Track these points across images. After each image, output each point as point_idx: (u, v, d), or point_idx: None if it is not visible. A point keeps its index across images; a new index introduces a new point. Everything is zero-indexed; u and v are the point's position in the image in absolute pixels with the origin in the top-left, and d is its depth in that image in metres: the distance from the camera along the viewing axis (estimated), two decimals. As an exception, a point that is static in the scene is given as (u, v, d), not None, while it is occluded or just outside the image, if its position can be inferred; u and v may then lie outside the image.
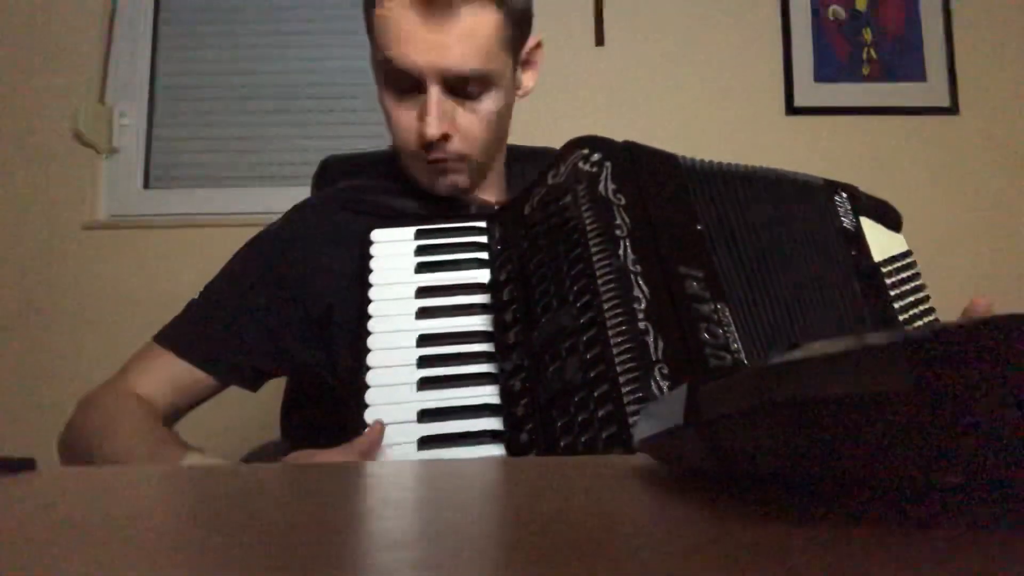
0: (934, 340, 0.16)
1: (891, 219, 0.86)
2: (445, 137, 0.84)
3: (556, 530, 0.21)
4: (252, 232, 0.95)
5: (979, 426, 0.17)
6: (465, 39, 0.80)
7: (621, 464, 0.38)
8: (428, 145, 0.84)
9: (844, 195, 0.83)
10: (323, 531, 0.22)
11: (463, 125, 0.85)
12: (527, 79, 0.93)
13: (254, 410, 1.19)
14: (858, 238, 0.81)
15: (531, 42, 0.91)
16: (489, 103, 0.85)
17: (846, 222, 0.81)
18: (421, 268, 0.79)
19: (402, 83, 0.83)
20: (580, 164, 0.73)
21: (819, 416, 0.19)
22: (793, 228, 0.77)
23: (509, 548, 0.20)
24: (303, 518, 0.24)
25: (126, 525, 0.24)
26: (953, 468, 0.19)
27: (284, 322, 0.87)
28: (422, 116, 0.83)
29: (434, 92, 0.82)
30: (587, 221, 0.69)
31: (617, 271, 0.65)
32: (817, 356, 0.19)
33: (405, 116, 0.85)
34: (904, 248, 0.84)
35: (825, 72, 1.93)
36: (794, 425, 0.20)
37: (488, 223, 0.81)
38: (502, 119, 0.89)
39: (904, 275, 0.81)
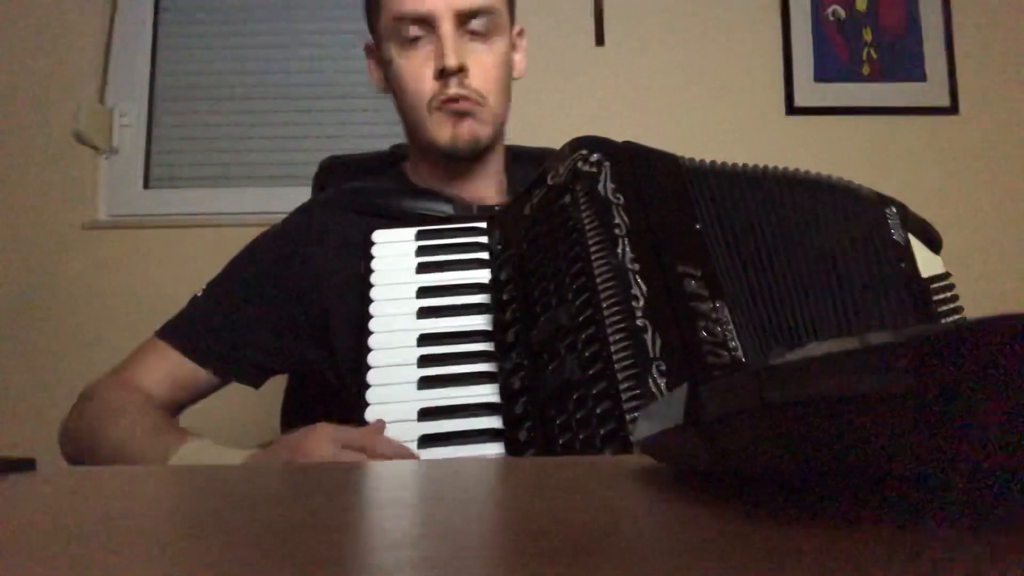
0: (934, 340, 0.16)
1: (933, 240, 0.85)
2: (462, 70, 0.86)
3: (556, 530, 0.21)
4: (252, 232, 0.95)
5: (979, 426, 0.17)
6: None
7: (621, 464, 0.38)
8: (446, 83, 0.86)
9: (894, 209, 0.82)
10: (323, 531, 0.22)
11: (478, 59, 0.87)
12: (518, 60, 0.96)
13: (254, 409, 1.19)
14: (908, 252, 0.80)
15: (516, 28, 0.95)
16: (499, 44, 0.89)
17: (896, 235, 0.80)
18: (422, 268, 0.79)
19: (413, 34, 0.86)
20: (580, 164, 0.73)
21: (819, 416, 0.19)
22: (829, 231, 0.75)
23: (509, 548, 0.20)
24: (303, 518, 0.24)
25: (126, 525, 0.24)
26: (953, 468, 0.19)
27: (286, 321, 0.87)
28: (438, 54, 0.85)
29: (448, 28, 0.85)
30: (586, 221, 0.69)
31: (615, 269, 0.65)
32: (817, 356, 0.19)
33: (419, 63, 0.87)
34: (944, 270, 0.83)
35: (825, 72, 1.93)
36: (794, 425, 0.20)
37: (488, 223, 0.82)
38: (508, 67, 0.92)
39: (946, 295, 0.81)
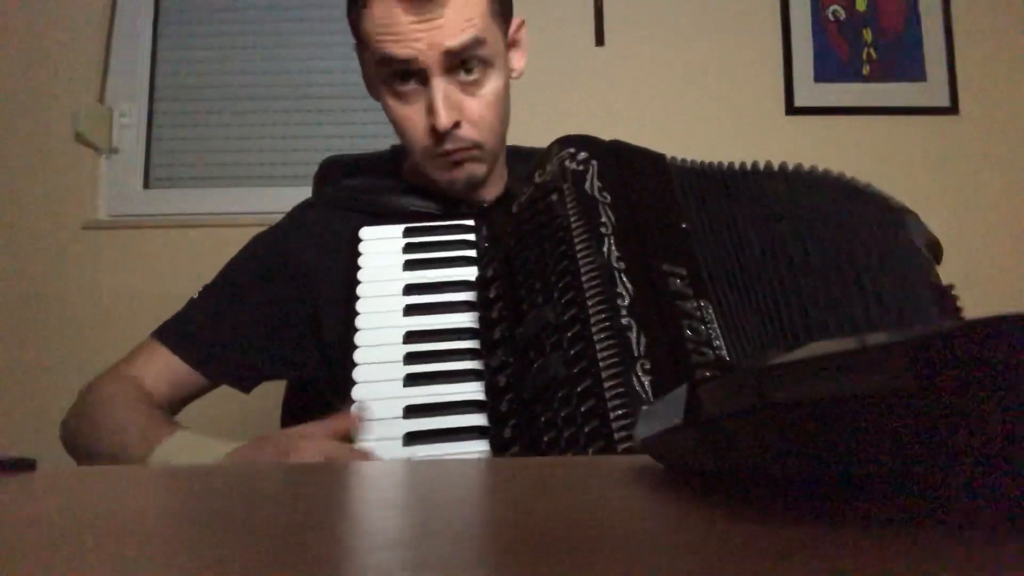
0: (935, 340, 0.16)
1: (937, 253, 0.85)
2: (456, 125, 0.84)
3: (555, 530, 0.21)
4: (252, 232, 0.96)
5: (979, 426, 0.17)
6: (457, 12, 0.81)
7: (620, 464, 0.38)
8: (440, 138, 0.84)
9: (913, 218, 0.81)
10: (323, 531, 0.22)
11: (470, 110, 0.85)
12: (517, 60, 0.94)
13: (254, 410, 1.19)
14: (930, 261, 0.79)
15: (515, 22, 0.92)
16: (491, 84, 0.86)
17: (918, 242, 0.79)
18: (409, 265, 0.79)
19: (403, 78, 0.84)
20: (567, 163, 0.73)
21: (819, 417, 0.19)
22: (848, 232, 0.74)
23: (508, 548, 0.20)
24: (302, 518, 0.24)
25: (126, 525, 0.24)
26: (953, 468, 0.19)
27: (279, 322, 0.88)
28: (430, 109, 0.83)
29: (438, 82, 0.82)
30: (572, 219, 0.69)
31: (601, 268, 0.66)
32: (817, 356, 0.18)
33: (412, 114, 0.85)
34: (947, 283, 0.82)
35: (825, 72, 1.92)
36: (794, 425, 0.20)
37: (476, 221, 0.82)
38: (503, 101, 0.89)
39: (958, 304, 0.80)
